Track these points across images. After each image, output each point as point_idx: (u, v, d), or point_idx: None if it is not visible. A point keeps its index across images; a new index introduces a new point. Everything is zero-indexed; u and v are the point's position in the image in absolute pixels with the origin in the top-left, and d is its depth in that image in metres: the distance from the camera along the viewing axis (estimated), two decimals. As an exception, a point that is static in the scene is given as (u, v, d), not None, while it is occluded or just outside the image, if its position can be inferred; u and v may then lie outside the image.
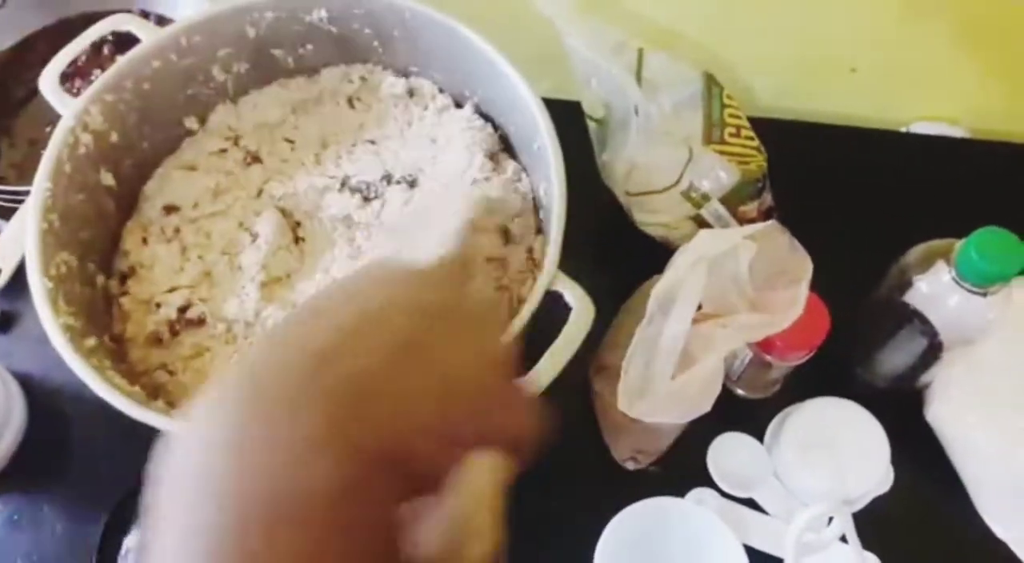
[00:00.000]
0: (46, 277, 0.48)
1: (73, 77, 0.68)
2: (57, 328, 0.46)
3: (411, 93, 0.62)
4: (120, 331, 0.54)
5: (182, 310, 0.53)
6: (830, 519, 0.55)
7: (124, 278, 0.56)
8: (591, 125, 0.62)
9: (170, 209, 0.57)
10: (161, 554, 0.23)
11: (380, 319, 0.27)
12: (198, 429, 0.25)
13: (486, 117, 0.61)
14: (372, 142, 0.60)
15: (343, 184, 0.58)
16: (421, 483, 0.25)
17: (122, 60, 0.55)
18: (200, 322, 0.53)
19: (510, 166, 0.59)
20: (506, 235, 0.56)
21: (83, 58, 0.58)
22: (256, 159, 0.60)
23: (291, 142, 0.61)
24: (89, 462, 0.60)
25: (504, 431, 0.27)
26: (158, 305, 0.53)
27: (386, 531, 0.25)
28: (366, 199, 0.57)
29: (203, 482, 0.24)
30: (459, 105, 0.62)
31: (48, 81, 0.55)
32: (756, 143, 0.61)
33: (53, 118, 0.70)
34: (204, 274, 0.55)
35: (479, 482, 0.26)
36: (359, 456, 0.24)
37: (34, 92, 0.73)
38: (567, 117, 0.55)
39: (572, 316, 0.46)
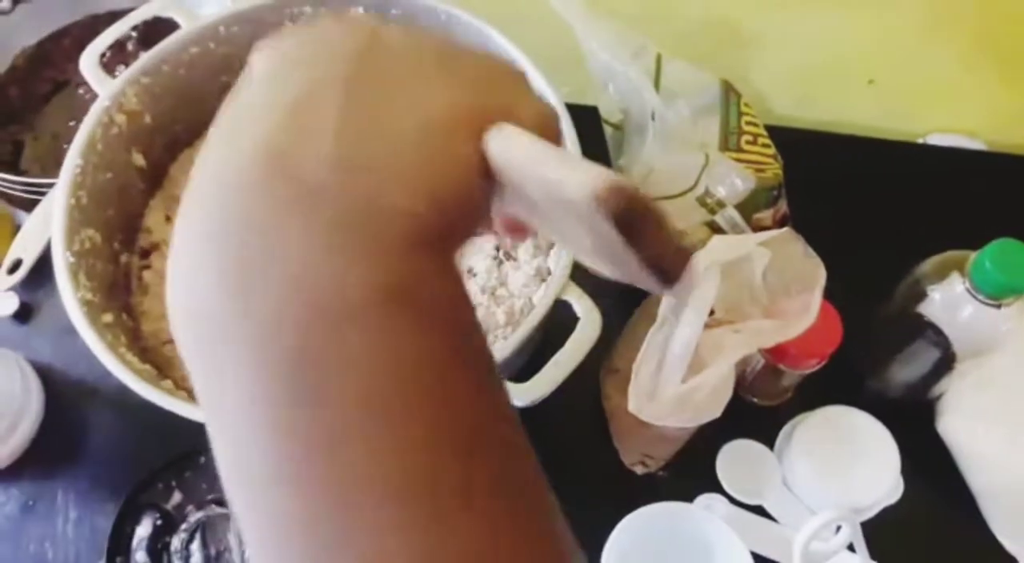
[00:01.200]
0: (69, 252, 0.49)
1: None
2: (75, 302, 0.47)
3: None
4: (138, 304, 0.55)
5: None
6: (838, 528, 0.55)
7: (146, 253, 0.56)
8: (608, 130, 0.63)
9: None
10: None
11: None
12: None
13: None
14: None
15: None
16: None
17: (161, 44, 0.56)
18: None
19: None
20: (508, 254, 0.55)
21: (107, 55, 0.59)
22: None
23: None
24: (103, 452, 0.61)
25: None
26: None
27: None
28: None
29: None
30: None
31: (89, 61, 0.56)
32: (772, 151, 0.61)
33: (76, 113, 0.71)
34: None
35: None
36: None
37: (59, 86, 0.74)
38: (585, 122, 0.55)
39: (579, 327, 0.46)
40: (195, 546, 0.55)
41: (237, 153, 0.22)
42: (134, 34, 0.64)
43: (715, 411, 0.47)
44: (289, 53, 0.23)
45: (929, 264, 0.54)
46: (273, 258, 0.20)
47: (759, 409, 0.61)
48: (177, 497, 0.57)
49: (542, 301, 0.47)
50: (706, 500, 0.58)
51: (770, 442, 0.60)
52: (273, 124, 0.21)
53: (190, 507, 0.57)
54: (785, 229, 0.49)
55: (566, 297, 0.47)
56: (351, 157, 0.21)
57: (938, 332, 0.54)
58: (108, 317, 0.50)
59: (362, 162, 0.21)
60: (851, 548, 0.55)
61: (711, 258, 0.47)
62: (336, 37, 0.23)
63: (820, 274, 0.48)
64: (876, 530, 0.56)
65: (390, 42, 0.23)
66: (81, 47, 0.57)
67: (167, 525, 0.56)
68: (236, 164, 0.21)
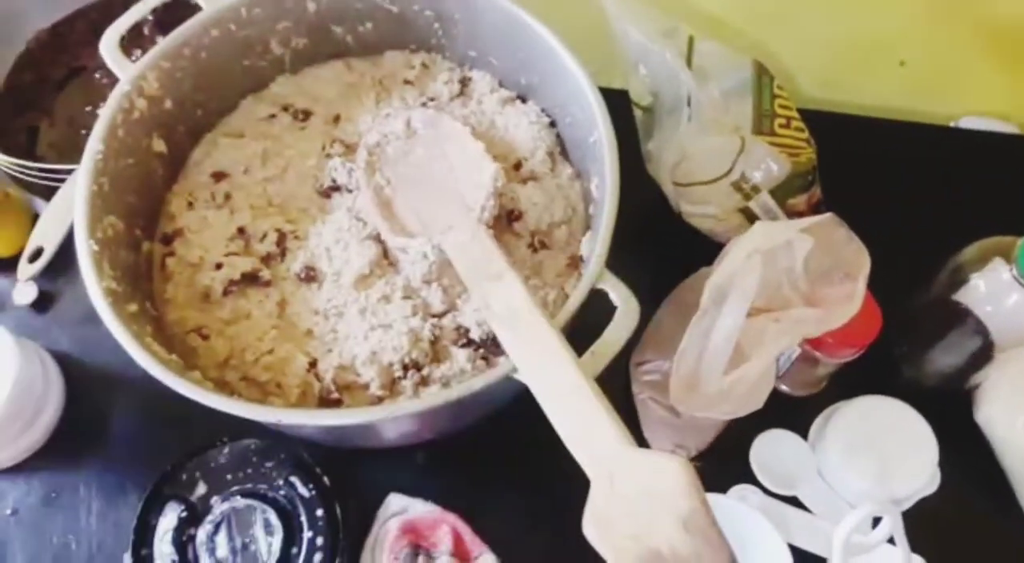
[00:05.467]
0: (92, 240, 0.48)
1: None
2: (100, 292, 0.46)
3: (464, 82, 0.61)
4: (160, 292, 0.54)
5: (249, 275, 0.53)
6: (876, 520, 0.54)
7: (169, 240, 0.55)
8: (637, 113, 0.61)
9: (219, 176, 0.57)
10: None
11: None
12: None
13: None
14: (433, 98, 0.61)
15: (407, 124, 0.58)
16: None
17: (182, 27, 0.55)
18: (266, 283, 0.53)
19: (565, 171, 0.58)
20: (542, 242, 0.54)
21: (125, 38, 0.58)
22: (308, 115, 0.60)
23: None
24: (126, 442, 0.60)
25: None
26: (219, 266, 0.53)
27: None
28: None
29: None
30: (523, 100, 0.61)
31: (108, 44, 0.54)
32: (806, 135, 0.60)
33: (93, 98, 0.70)
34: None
35: None
36: None
37: (74, 72, 0.72)
38: (610, 105, 0.54)
39: (616, 316, 0.45)
40: (221, 537, 0.54)
41: None
42: (151, 17, 0.62)
43: (756, 403, 0.46)
44: None
45: (970, 250, 0.53)
46: None
47: (793, 399, 0.60)
48: (202, 488, 0.56)
49: (578, 290, 0.46)
50: (740, 491, 0.57)
51: (803, 432, 0.59)
52: None
53: (215, 498, 0.56)
54: (828, 214, 0.48)
55: (602, 286, 0.46)
56: None
57: (977, 320, 0.53)
58: (133, 307, 0.48)
59: None
60: (890, 541, 0.54)
61: (752, 245, 0.46)
62: None
63: (864, 260, 0.47)
64: (912, 521, 0.55)
65: None
66: (96, 31, 0.56)
67: (192, 517, 0.55)
68: None
